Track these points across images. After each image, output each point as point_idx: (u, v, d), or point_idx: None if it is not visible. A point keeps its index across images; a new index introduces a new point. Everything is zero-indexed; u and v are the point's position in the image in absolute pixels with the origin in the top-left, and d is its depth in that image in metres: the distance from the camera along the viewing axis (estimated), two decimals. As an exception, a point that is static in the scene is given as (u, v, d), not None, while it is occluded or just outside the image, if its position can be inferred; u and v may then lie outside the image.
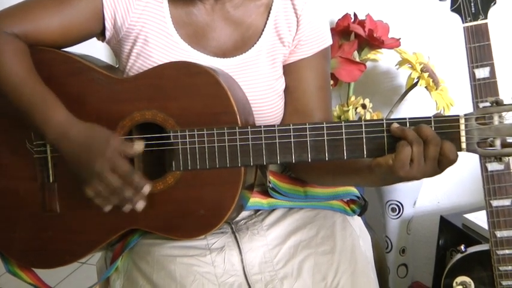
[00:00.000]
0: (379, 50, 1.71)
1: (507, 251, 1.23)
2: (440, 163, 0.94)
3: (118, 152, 1.00)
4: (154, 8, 1.11)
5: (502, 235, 1.22)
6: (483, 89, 1.11)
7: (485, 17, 1.09)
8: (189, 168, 1.04)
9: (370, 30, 1.63)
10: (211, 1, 1.12)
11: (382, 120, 0.97)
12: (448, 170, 0.96)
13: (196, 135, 1.03)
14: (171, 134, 1.04)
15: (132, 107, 1.06)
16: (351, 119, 1.65)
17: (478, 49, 1.10)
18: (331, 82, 1.46)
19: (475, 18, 1.09)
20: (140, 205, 1.02)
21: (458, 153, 0.94)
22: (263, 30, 1.14)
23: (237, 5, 1.13)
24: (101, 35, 1.14)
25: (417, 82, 1.61)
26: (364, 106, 1.66)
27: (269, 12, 1.14)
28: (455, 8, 1.10)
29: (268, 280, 1.06)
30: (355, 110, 1.66)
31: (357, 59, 1.65)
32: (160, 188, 1.05)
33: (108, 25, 1.10)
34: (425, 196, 1.89)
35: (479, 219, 1.61)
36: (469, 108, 1.13)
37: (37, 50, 1.09)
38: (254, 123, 1.10)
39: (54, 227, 1.12)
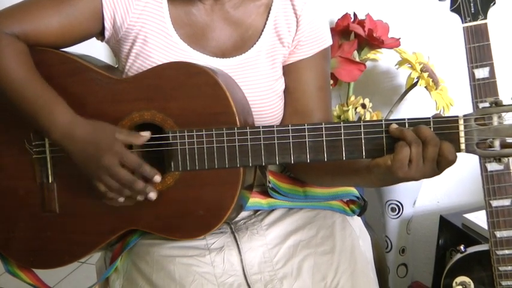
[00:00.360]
0: (378, 50, 1.70)
1: (507, 251, 1.23)
2: (439, 164, 0.94)
3: (125, 144, 1.02)
4: (154, 8, 1.11)
5: (502, 235, 1.22)
6: (483, 89, 1.11)
7: (485, 17, 1.09)
8: (188, 168, 1.04)
9: (369, 30, 1.63)
10: (210, 1, 1.12)
11: (381, 121, 0.97)
12: (448, 170, 0.96)
13: (195, 135, 1.03)
14: (170, 134, 1.04)
15: (131, 107, 1.06)
16: (351, 118, 1.65)
17: (478, 49, 1.10)
18: (331, 82, 1.46)
19: (475, 18, 1.09)
20: (153, 195, 1.03)
21: (458, 153, 0.94)
22: (263, 31, 1.14)
23: (237, 5, 1.13)
24: (100, 35, 1.14)
25: (417, 82, 1.60)
26: (363, 106, 1.66)
27: (269, 13, 1.14)
28: (455, 8, 1.10)
29: (268, 280, 1.06)
30: (355, 110, 1.65)
31: (357, 59, 1.65)
32: (159, 188, 1.05)
33: (108, 25, 1.10)
34: (425, 196, 1.89)
35: (479, 219, 1.61)
36: (469, 108, 1.13)
37: (36, 50, 1.09)
38: (253, 124, 1.09)
39: (53, 227, 1.12)
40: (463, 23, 1.10)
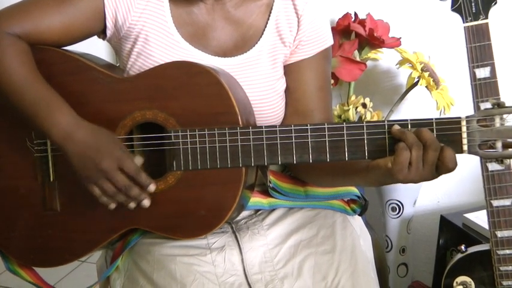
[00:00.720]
0: (379, 50, 1.70)
1: (508, 251, 1.23)
2: (438, 169, 0.94)
3: (126, 153, 1.02)
4: (155, 7, 1.11)
5: (503, 235, 1.22)
6: (484, 89, 1.11)
7: (486, 17, 1.09)
8: (190, 168, 1.04)
9: (370, 30, 1.63)
10: (211, 0, 1.11)
11: (384, 121, 0.97)
12: (445, 174, 0.96)
13: (197, 135, 1.03)
14: (172, 133, 1.04)
15: (133, 107, 1.06)
16: (351, 118, 1.65)
17: (479, 49, 1.10)
18: (332, 81, 1.46)
19: (476, 18, 1.09)
20: (146, 202, 1.04)
21: (459, 154, 0.94)
22: (264, 30, 1.14)
23: (238, 5, 1.13)
24: (102, 33, 1.14)
25: (417, 81, 1.60)
26: (364, 105, 1.66)
27: (270, 12, 1.14)
28: (456, 7, 1.11)
29: (269, 280, 1.06)
30: (356, 109, 1.65)
31: (358, 58, 1.65)
32: (161, 187, 1.05)
33: (109, 24, 1.10)
34: (426, 195, 1.89)
35: (480, 218, 1.61)
36: (470, 108, 1.13)
37: (37, 49, 1.09)
38: (255, 124, 1.09)
39: (54, 225, 1.12)
40: (464, 22, 1.10)
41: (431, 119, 0.95)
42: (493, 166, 1.17)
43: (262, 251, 1.09)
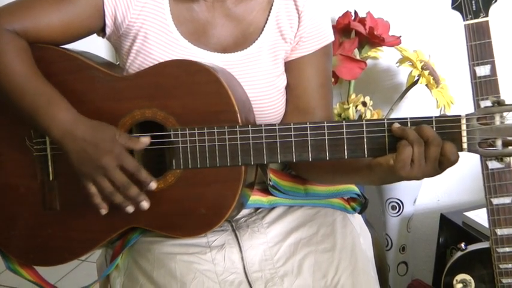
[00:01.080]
0: (379, 48, 1.70)
1: (507, 249, 1.23)
2: (441, 164, 0.94)
3: (125, 148, 1.01)
4: (155, 4, 1.11)
5: (503, 233, 1.22)
6: (484, 87, 1.11)
7: (486, 15, 1.09)
8: (190, 166, 1.04)
9: (370, 28, 1.62)
10: (212, -2, 1.11)
11: (384, 119, 0.97)
12: (448, 168, 0.96)
13: (196, 133, 1.03)
14: (172, 132, 1.04)
15: (132, 105, 1.06)
16: (351, 116, 1.65)
17: (479, 47, 1.10)
18: (332, 80, 1.46)
19: (476, 16, 1.09)
20: (145, 204, 1.02)
21: (459, 153, 0.94)
22: (264, 27, 1.13)
23: (238, 2, 1.13)
24: (101, 31, 1.14)
25: (418, 80, 1.60)
26: (364, 104, 1.66)
27: (270, 9, 1.14)
28: (456, 5, 1.10)
29: (269, 278, 1.06)
30: (356, 108, 1.65)
31: (358, 57, 1.65)
32: (161, 186, 1.05)
33: (109, 22, 1.10)
34: (426, 194, 1.89)
35: (480, 217, 1.61)
36: (470, 106, 1.13)
37: (36, 47, 1.09)
38: (254, 121, 1.09)
39: (54, 224, 1.12)
40: (464, 20, 1.10)
41: (431, 117, 0.95)
42: (493, 164, 1.17)
43: (262, 249, 1.09)
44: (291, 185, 1.18)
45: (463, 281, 1.32)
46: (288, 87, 1.17)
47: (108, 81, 1.08)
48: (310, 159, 1.00)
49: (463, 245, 1.36)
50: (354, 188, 1.19)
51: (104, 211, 1.03)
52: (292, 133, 1.00)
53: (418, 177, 0.95)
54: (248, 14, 1.13)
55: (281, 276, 1.06)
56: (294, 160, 1.00)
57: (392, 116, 1.66)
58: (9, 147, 1.13)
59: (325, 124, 0.98)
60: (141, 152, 1.09)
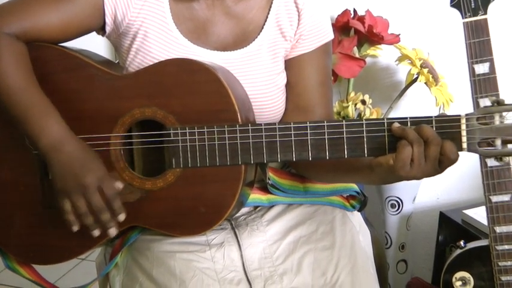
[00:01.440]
0: (378, 46, 1.70)
1: (506, 247, 1.23)
2: (441, 163, 0.94)
3: (107, 176, 1.01)
4: (155, 3, 1.11)
5: (502, 230, 1.22)
6: (483, 85, 1.11)
7: (485, 13, 1.09)
8: (189, 165, 1.04)
9: (369, 26, 1.62)
10: (211, -5, 1.11)
11: (383, 119, 0.97)
12: (448, 167, 0.96)
13: (196, 132, 1.03)
14: (171, 131, 1.04)
15: (132, 104, 1.06)
16: (351, 115, 1.65)
17: (478, 45, 1.10)
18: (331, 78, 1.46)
19: (475, 14, 1.09)
20: (113, 231, 1.02)
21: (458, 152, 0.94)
22: (264, 25, 1.14)
23: (238, 0, 1.13)
24: (101, 30, 1.14)
25: (417, 78, 1.60)
26: (363, 102, 1.66)
27: (270, 7, 1.14)
28: (455, 3, 1.10)
29: (268, 276, 1.06)
30: (355, 106, 1.65)
31: (357, 55, 1.65)
32: (161, 185, 1.05)
33: (109, 20, 1.10)
34: (425, 192, 1.89)
35: (479, 214, 1.61)
36: (469, 104, 1.13)
37: (34, 46, 1.08)
38: (254, 120, 1.09)
39: (53, 223, 1.12)
40: (463, 18, 1.10)
41: (431, 117, 0.95)
42: (491, 162, 1.17)
43: (261, 247, 1.10)
44: (290, 184, 1.18)
45: (462, 279, 1.33)
46: (288, 85, 1.17)
47: (108, 79, 1.08)
48: (310, 159, 1.00)
49: (462, 242, 1.36)
50: (353, 185, 1.20)
51: (75, 228, 1.02)
52: (292, 132, 1.00)
53: (418, 177, 0.95)
54: (248, 12, 1.13)
55: (280, 274, 1.06)
56: (294, 159, 1.00)
57: (392, 114, 1.66)
58: (8, 146, 1.12)
59: (325, 123, 0.98)
60: (141, 151, 1.09)
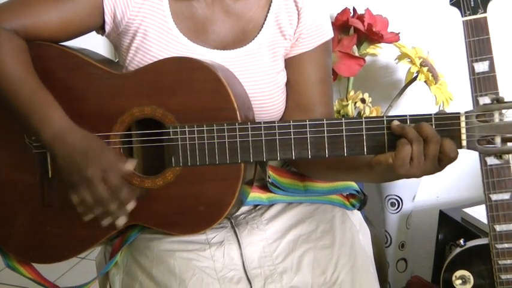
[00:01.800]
0: (378, 45, 1.70)
1: (506, 245, 1.23)
2: (441, 161, 0.94)
3: (112, 165, 1.00)
4: (154, 2, 1.11)
5: (501, 229, 1.22)
6: (482, 83, 1.11)
7: (485, 11, 1.09)
8: (189, 164, 1.04)
9: (369, 25, 1.62)
10: (211, -6, 1.11)
11: (383, 117, 0.96)
12: (448, 165, 0.96)
13: (195, 131, 1.02)
14: (171, 130, 1.04)
15: (131, 103, 1.06)
16: (350, 113, 1.65)
17: (477, 43, 1.10)
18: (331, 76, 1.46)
19: (475, 12, 1.09)
20: (121, 221, 1.01)
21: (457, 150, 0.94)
22: (264, 23, 1.14)
23: (237, -2, 1.13)
24: (101, 29, 1.14)
25: (416, 76, 1.60)
26: (363, 101, 1.66)
27: (270, 6, 1.14)
28: (455, 1, 1.10)
29: (268, 274, 1.06)
30: (355, 105, 1.65)
31: (356, 54, 1.64)
32: (160, 184, 1.05)
33: (108, 19, 1.10)
34: (425, 191, 1.89)
35: (479, 213, 1.61)
36: (469, 103, 1.13)
37: (34, 45, 1.09)
38: (254, 118, 1.09)
39: (53, 222, 1.12)
40: (462, 16, 1.10)
41: (430, 114, 0.95)
42: (491, 160, 1.17)
43: (261, 246, 1.10)
44: (290, 182, 1.18)
45: (462, 277, 1.33)
46: (288, 84, 1.17)
47: (107, 78, 1.08)
48: (310, 157, 1.00)
49: (462, 241, 1.36)
50: (353, 184, 1.20)
51: (88, 217, 1.02)
52: (292, 130, 1.00)
53: (418, 175, 0.94)
54: (247, 11, 1.13)
55: (280, 273, 1.06)
56: (293, 157, 1.00)
57: (391, 112, 1.66)
58: (8, 144, 1.13)
59: (325, 122, 0.98)
60: (141, 150, 1.09)
